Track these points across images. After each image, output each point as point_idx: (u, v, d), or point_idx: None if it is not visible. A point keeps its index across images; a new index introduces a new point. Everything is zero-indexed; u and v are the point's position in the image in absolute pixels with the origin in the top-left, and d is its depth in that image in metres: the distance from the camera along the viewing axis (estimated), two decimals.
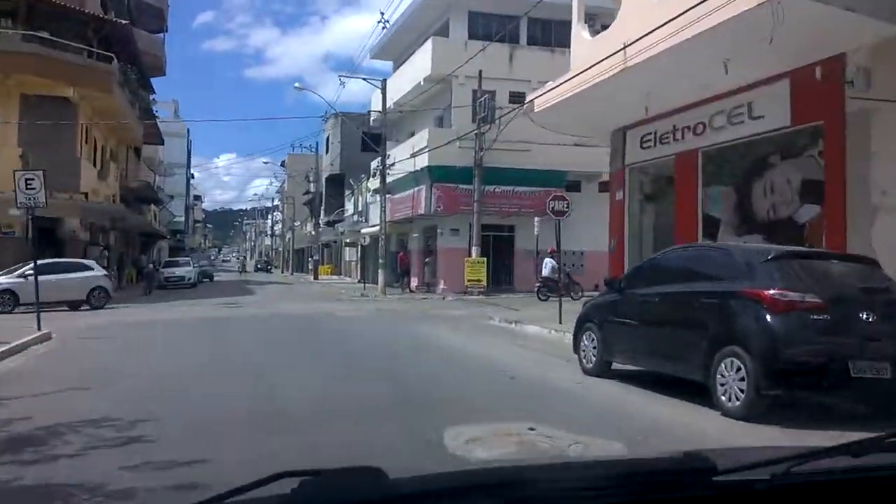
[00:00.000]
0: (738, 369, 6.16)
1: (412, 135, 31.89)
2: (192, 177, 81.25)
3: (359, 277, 40.95)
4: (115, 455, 5.23)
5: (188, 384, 8.22)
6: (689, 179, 13.75)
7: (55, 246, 25.60)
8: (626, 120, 15.34)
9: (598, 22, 28.47)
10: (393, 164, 30.37)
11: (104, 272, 22.44)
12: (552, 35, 31.21)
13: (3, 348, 11.05)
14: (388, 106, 30.42)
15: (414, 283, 31.07)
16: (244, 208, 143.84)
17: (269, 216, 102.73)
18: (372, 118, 35.18)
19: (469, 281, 26.78)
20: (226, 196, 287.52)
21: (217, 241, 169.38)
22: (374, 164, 33.17)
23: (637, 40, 11.65)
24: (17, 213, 16.47)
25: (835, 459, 1.43)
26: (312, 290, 36.72)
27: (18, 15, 25.45)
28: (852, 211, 10.28)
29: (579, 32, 15.74)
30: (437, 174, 27.98)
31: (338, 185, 49.62)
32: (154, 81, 39.78)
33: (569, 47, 29.57)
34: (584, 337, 8.70)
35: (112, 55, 27.58)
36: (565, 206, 14.55)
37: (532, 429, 5.38)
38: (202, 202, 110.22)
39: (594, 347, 8.45)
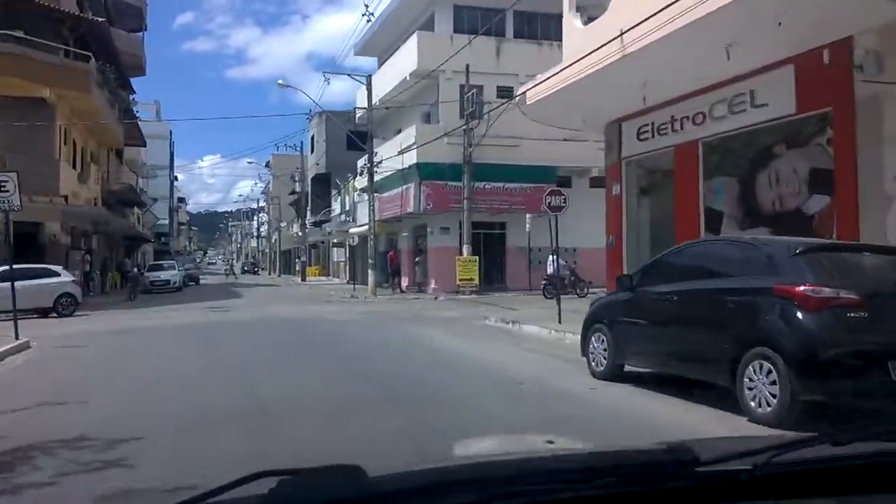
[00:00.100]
0: (769, 372, 5.69)
1: (399, 132, 31.40)
2: (176, 179, 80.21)
3: (347, 278, 40.40)
4: (89, 481, 4.74)
5: (172, 398, 7.67)
6: (689, 171, 13.33)
7: (35, 251, 24.95)
8: (622, 111, 14.91)
9: (585, 14, 28.16)
10: (380, 162, 29.82)
11: (72, 278, 21.59)
12: (538, 28, 30.88)
13: None
14: (373, 103, 29.89)
15: (404, 283, 30.57)
16: (229, 210, 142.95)
17: (255, 217, 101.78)
18: (357, 115, 34.60)
19: (461, 280, 26.32)
20: (211, 198, 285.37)
21: (202, 244, 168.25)
22: (361, 162, 32.60)
23: (635, 26, 11.20)
24: None
25: (816, 448, 1.44)
26: (301, 292, 36.11)
27: None
28: (864, 200, 9.89)
29: (571, 21, 15.28)
30: (425, 171, 27.47)
31: (324, 184, 49.02)
32: (135, 83, 39.04)
33: (556, 40, 29.40)
34: (594, 338, 8.19)
35: (89, 54, 26.87)
36: (562, 200, 14.08)
37: (551, 441, 4.91)
38: (186, 204, 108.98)
39: (604, 350, 7.96)
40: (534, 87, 15.03)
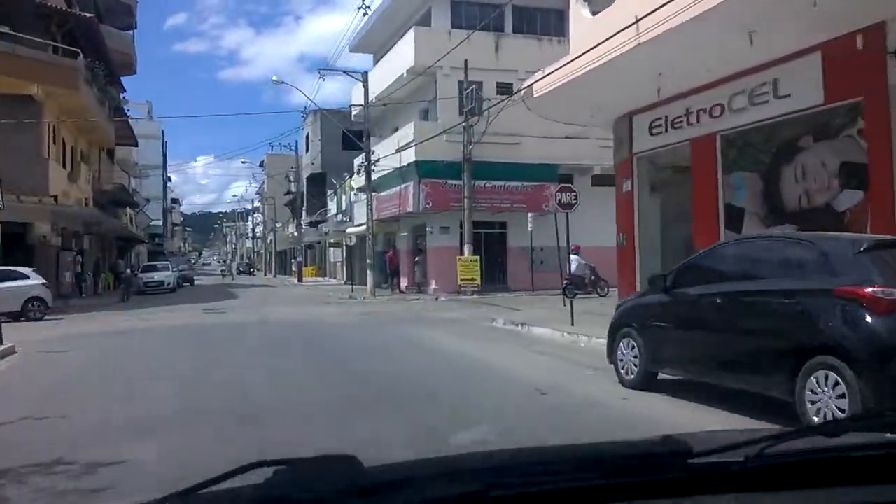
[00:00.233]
0: (836, 384, 5.06)
1: (396, 130, 30.78)
2: (170, 179, 79.47)
3: (345, 279, 39.76)
4: None
5: (160, 414, 6.97)
6: (706, 166, 12.71)
7: (24, 252, 24.30)
8: (634, 104, 14.29)
9: (589, 5, 27.56)
10: (377, 161, 29.16)
11: (42, 281, 20.68)
12: (538, 23, 30.35)
13: None
14: (370, 100, 29.23)
15: (404, 283, 29.92)
16: (224, 211, 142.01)
17: (250, 218, 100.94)
18: (354, 113, 33.96)
19: (462, 280, 25.70)
20: (205, 199, 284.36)
21: (197, 245, 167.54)
22: (358, 161, 31.92)
23: (653, 12, 10.59)
24: None
25: (808, 440, 1.45)
26: (298, 292, 35.42)
27: None
28: None
29: (578, 11, 14.61)
30: (424, 169, 26.81)
31: (319, 184, 48.35)
32: (128, 85, 38.44)
33: (557, 35, 29.11)
34: (622, 344, 7.52)
35: (78, 51, 26.16)
36: (573, 197, 13.46)
37: None
38: (180, 205, 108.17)
39: (635, 356, 7.30)
40: (541, 79, 14.38)
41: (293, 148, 52.59)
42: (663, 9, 10.32)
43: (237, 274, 74.75)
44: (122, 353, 12.51)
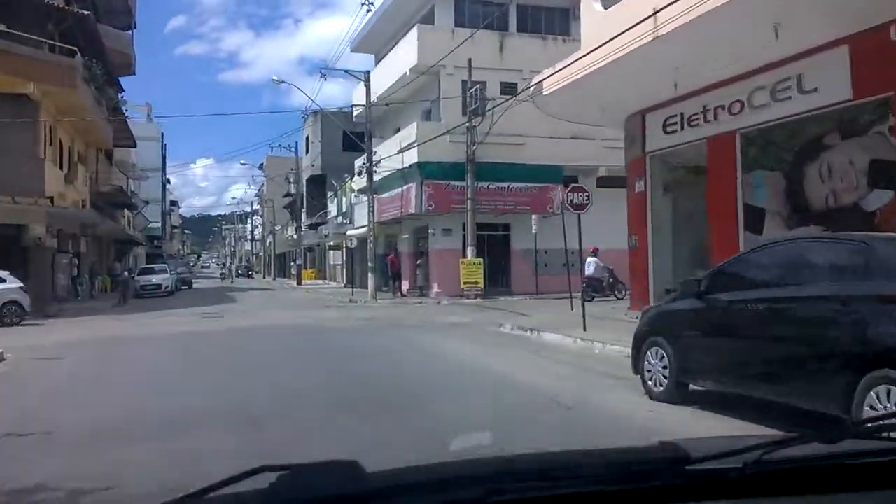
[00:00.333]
0: None
1: (398, 130, 30.29)
2: (169, 182, 78.90)
3: (345, 282, 39.29)
4: None
5: (153, 431, 6.42)
6: (725, 165, 12.23)
7: (18, 254, 23.80)
8: (648, 101, 13.84)
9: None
10: (379, 162, 28.67)
11: (18, 284, 20.02)
12: (542, 22, 29.92)
13: None
14: (371, 100, 28.75)
15: (405, 286, 29.41)
16: (223, 213, 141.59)
17: (249, 220, 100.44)
18: (355, 113, 33.50)
19: (465, 284, 25.18)
20: (204, 202, 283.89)
21: (196, 248, 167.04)
22: (359, 162, 31.41)
23: (671, 3, 10.13)
24: None
25: (807, 447, 1.44)
26: (297, 296, 34.87)
27: None
28: None
29: (590, 5, 14.16)
30: (427, 170, 26.30)
31: (319, 186, 47.89)
32: (128, 88, 38.02)
33: (562, 35, 28.67)
34: (650, 353, 6.97)
35: (75, 49, 25.64)
36: (585, 198, 12.93)
37: None
38: (179, 207, 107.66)
39: (664, 367, 6.76)
40: (551, 75, 13.91)
41: (293, 150, 52.12)
42: (682, 1, 9.88)
43: (236, 277, 74.29)
44: (114, 362, 12.01)
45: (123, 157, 45.82)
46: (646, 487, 1.30)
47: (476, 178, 25.54)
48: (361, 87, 29.67)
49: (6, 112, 22.77)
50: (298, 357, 11.85)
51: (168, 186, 78.48)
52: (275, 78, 31.26)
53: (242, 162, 79.89)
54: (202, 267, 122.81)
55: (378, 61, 34.03)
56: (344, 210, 39.66)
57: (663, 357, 6.77)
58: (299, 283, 48.81)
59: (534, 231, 23.95)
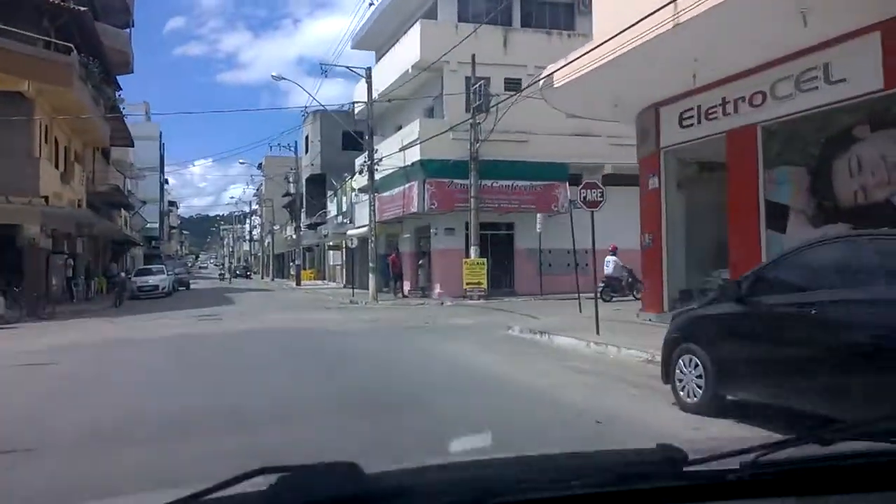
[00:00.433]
0: None
1: (399, 128, 29.78)
2: (167, 182, 78.33)
3: (345, 282, 38.77)
4: None
5: (145, 447, 5.86)
6: (745, 160, 11.70)
7: (12, 255, 23.30)
8: (663, 94, 13.31)
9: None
10: (380, 160, 28.14)
11: None
12: (547, 17, 29.43)
13: None
14: (373, 97, 28.21)
15: (407, 287, 28.87)
16: (221, 214, 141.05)
17: (248, 220, 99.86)
18: (356, 111, 32.97)
19: (468, 284, 24.66)
20: (203, 202, 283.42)
21: (194, 248, 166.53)
22: (360, 161, 30.87)
23: None
24: None
25: (803, 448, 1.44)
26: (296, 297, 34.31)
27: None
28: None
29: None
30: (429, 168, 25.76)
31: (318, 185, 47.39)
32: (126, 88, 37.50)
33: (567, 29, 28.16)
34: (682, 361, 6.42)
35: (71, 46, 25.11)
36: (599, 195, 12.39)
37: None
38: (177, 208, 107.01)
39: (698, 376, 6.21)
40: (562, 67, 13.38)
41: (292, 149, 51.60)
42: None
43: (234, 277, 73.77)
44: (108, 368, 11.48)
45: (121, 157, 45.31)
46: (644, 489, 1.30)
47: (479, 176, 25.03)
48: (362, 85, 29.14)
49: (0, 110, 22.27)
50: (301, 366, 11.31)
51: (166, 187, 77.95)
52: (274, 74, 30.86)
53: (241, 161, 79.00)
54: (200, 267, 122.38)
55: (379, 58, 33.51)
56: (344, 209, 39.13)
57: (697, 365, 6.21)
58: (298, 283, 48.29)
59: (538, 230, 23.45)
